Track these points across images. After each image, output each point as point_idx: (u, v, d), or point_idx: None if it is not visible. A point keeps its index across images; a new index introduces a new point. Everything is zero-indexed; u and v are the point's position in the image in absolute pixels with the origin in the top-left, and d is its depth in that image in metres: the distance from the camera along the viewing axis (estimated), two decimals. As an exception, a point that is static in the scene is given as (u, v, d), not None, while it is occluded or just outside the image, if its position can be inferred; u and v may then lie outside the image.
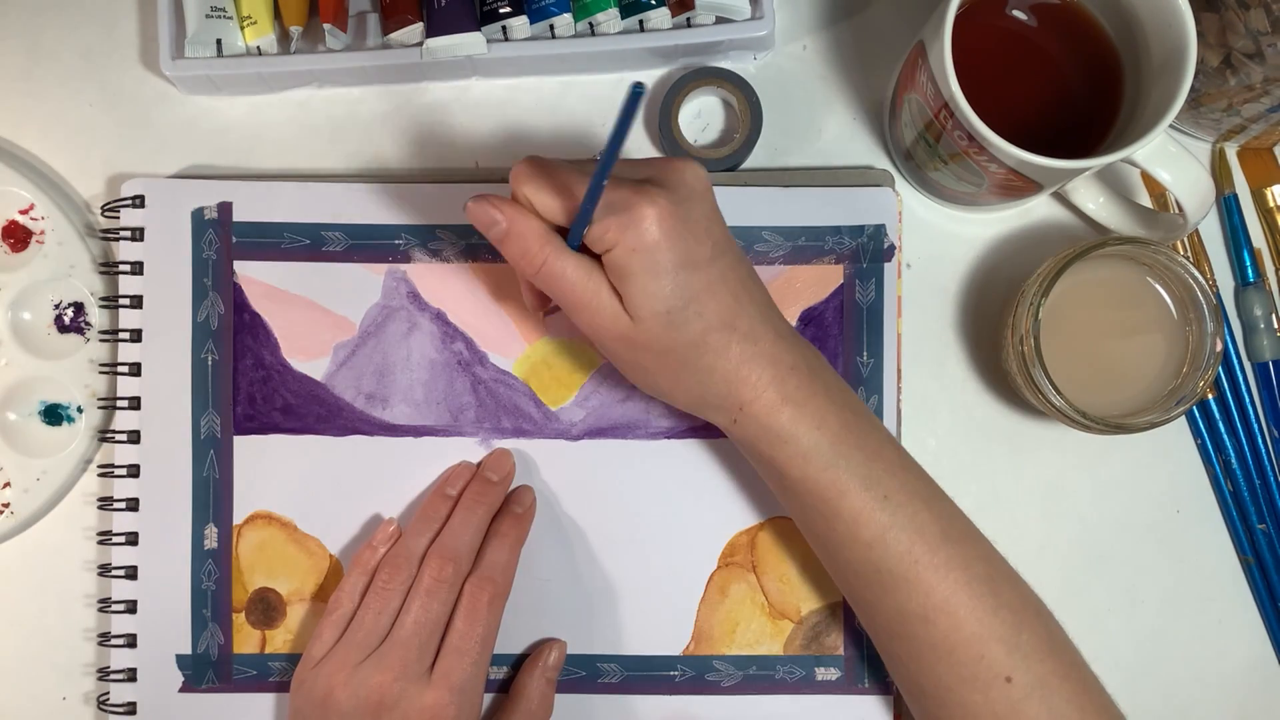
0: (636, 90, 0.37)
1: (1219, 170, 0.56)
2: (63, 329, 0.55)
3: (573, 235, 0.44)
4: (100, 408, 0.54)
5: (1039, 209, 0.56)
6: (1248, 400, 0.55)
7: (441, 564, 0.49)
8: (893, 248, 0.54)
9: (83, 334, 0.55)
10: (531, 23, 0.53)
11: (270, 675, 0.54)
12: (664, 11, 0.52)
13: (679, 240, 0.44)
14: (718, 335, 0.45)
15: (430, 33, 0.52)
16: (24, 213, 0.55)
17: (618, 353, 0.46)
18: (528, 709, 0.52)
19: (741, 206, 0.54)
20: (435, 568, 0.49)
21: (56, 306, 0.55)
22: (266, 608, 0.54)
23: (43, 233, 0.54)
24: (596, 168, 0.41)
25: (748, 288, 0.46)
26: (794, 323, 0.54)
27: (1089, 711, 0.45)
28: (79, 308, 0.55)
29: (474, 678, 0.49)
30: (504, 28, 0.53)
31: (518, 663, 0.54)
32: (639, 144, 0.56)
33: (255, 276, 0.54)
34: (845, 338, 0.54)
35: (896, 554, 0.45)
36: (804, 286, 0.54)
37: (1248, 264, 0.56)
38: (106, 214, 0.55)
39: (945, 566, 0.45)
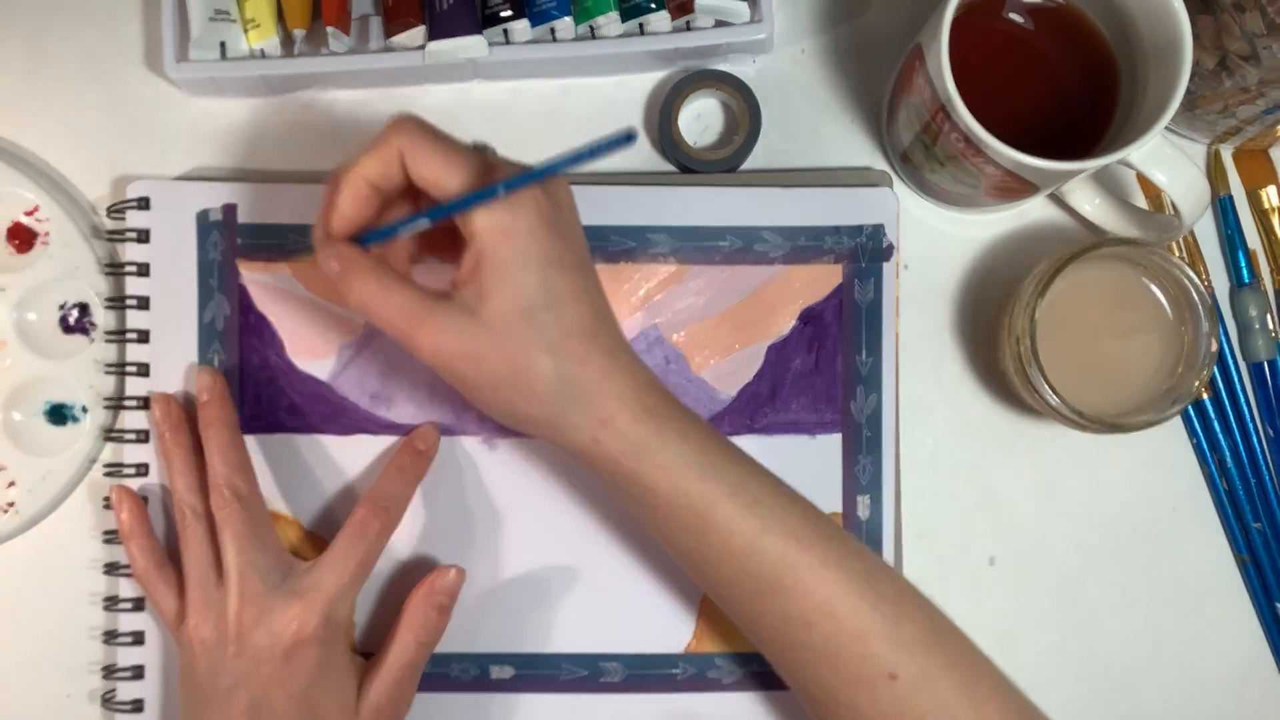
0: (630, 134, 0.39)
1: (1214, 172, 0.57)
2: (67, 330, 0.55)
3: (432, 212, 0.42)
4: (106, 407, 0.54)
5: (1035, 210, 0.56)
6: (1243, 400, 0.56)
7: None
8: (891, 247, 0.54)
9: (87, 334, 0.55)
10: (533, 26, 0.53)
11: (274, 673, 0.54)
12: (664, 15, 0.53)
13: (552, 234, 0.42)
14: (578, 342, 0.43)
15: (432, 36, 0.52)
16: (29, 214, 0.55)
17: (461, 372, 0.43)
18: (410, 634, 0.50)
19: (741, 207, 0.54)
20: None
21: (61, 307, 0.55)
22: (270, 606, 0.54)
23: (47, 234, 0.55)
24: (530, 168, 0.41)
25: (608, 308, 0.44)
26: (794, 321, 0.54)
27: (979, 699, 0.44)
28: (84, 308, 0.55)
29: (344, 596, 0.49)
30: (505, 31, 0.53)
31: (520, 662, 0.54)
32: (638, 146, 0.56)
33: (260, 278, 0.54)
34: (844, 337, 0.54)
35: (772, 559, 0.44)
36: (803, 286, 0.54)
37: (1243, 265, 0.56)
38: (112, 216, 0.55)
39: (821, 566, 0.44)
